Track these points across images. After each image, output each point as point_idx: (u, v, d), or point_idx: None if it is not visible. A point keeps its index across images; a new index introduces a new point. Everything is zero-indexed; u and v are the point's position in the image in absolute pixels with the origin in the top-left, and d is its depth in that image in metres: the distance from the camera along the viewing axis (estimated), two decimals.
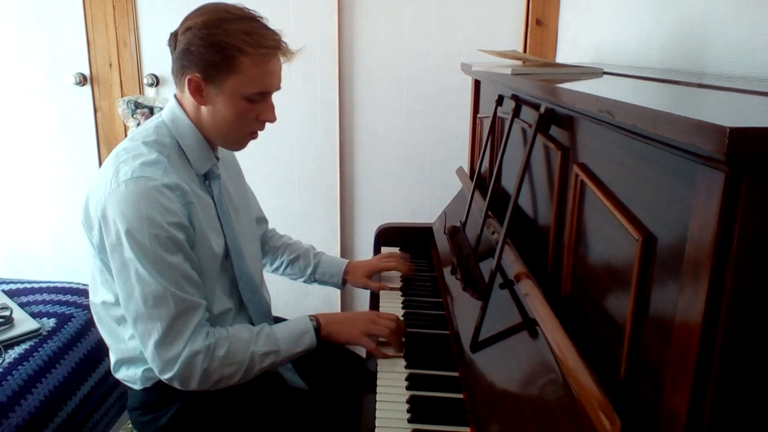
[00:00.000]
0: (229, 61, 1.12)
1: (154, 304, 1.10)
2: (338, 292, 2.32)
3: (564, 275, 0.91)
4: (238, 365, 1.16)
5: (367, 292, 1.59)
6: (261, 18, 1.17)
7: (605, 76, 1.13)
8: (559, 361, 0.80)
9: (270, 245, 1.59)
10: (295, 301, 2.40)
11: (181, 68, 1.16)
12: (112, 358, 1.28)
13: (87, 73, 2.32)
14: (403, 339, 1.28)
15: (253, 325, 1.32)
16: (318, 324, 1.25)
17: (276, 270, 1.61)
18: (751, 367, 0.53)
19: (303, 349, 1.23)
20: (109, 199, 1.10)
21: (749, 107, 0.67)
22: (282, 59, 1.18)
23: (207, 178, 1.24)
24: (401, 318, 1.37)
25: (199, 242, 1.18)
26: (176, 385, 1.14)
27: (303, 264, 1.58)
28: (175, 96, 1.23)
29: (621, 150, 0.72)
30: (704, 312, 0.52)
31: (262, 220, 1.56)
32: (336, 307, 2.42)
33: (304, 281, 1.61)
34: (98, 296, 1.24)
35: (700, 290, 0.53)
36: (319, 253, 1.61)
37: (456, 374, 1.16)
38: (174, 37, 1.17)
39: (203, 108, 1.18)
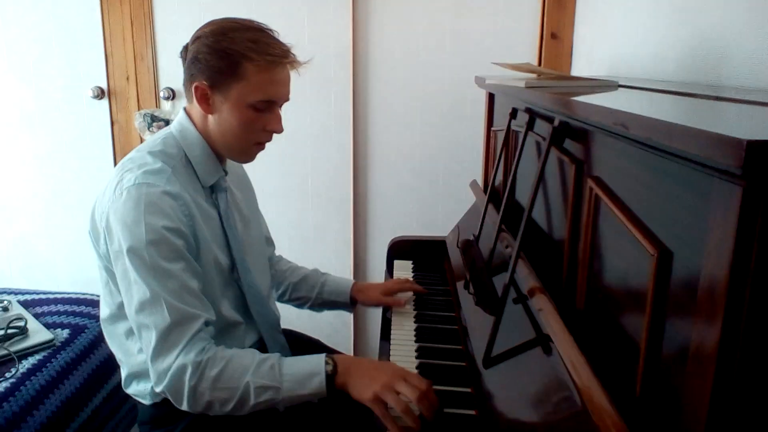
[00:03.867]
0: (234, 67, 1.12)
1: (150, 312, 1.07)
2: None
3: (578, 290, 0.90)
4: (230, 392, 1.06)
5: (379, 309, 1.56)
6: (270, 30, 1.19)
7: (620, 89, 1.12)
8: (572, 377, 0.78)
9: (276, 269, 1.55)
10: (308, 315, 2.38)
11: (189, 77, 1.18)
12: (123, 372, 1.28)
13: (105, 86, 2.35)
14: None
15: (263, 339, 1.31)
16: (334, 368, 1.09)
17: (282, 296, 1.57)
18: None
19: (309, 392, 1.08)
20: (111, 207, 1.10)
21: (767, 120, 0.65)
22: (290, 70, 1.18)
23: (214, 191, 1.24)
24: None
25: (203, 254, 1.17)
26: (170, 399, 1.09)
27: (309, 285, 1.54)
28: (185, 108, 1.24)
29: (636, 163, 0.71)
30: (722, 330, 0.51)
31: (268, 241, 1.54)
32: (349, 318, 2.42)
33: (311, 305, 1.55)
34: (105, 310, 1.24)
35: (717, 308, 0.51)
36: (324, 274, 1.57)
37: (468, 390, 1.14)
38: (185, 48, 1.19)
39: (210, 117, 1.19)
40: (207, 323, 1.12)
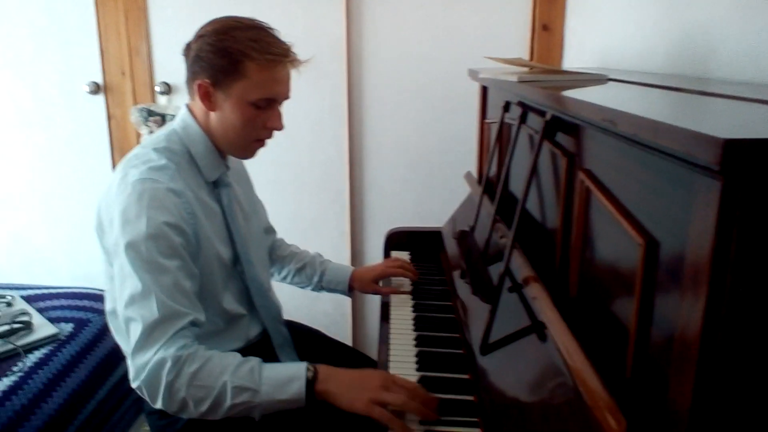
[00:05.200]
0: (236, 65, 1.14)
1: (139, 305, 1.07)
2: None
3: (571, 278, 0.94)
4: (207, 391, 1.05)
5: (377, 297, 1.61)
6: (272, 29, 1.21)
7: (610, 82, 1.15)
8: (566, 363, 0.82)
9: (277, 254, 1.60)
10: (307, 305, 2.43)
11: (192, 75, 1.20)
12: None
13: (100, 81, 2.36)
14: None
15: (266, 331, 1.34)
16: (315, 375, 1.08)
17: (284, 279, 1.62)
18: (751, 368, 0.55)
19: (287, 398, 1.06)
20: (115, 201, 1.12)
21: (749, 116, 0.69)
22: (290, 69, 1.21)
23: (216, 186, 1.27)
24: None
25: (204, 251, 1.19)
26: (145, 396, 1.08)
27: (310, 272, 1.58)
28: (187, 105, 1.26)
29: (625, 157, 0.74)
30: (705, 314, 0.54)
31: (270, 230, 1.58)
32: (347, 309, 2.45)
33: (312, 289, 1.61)
34: (110, 304, 1.25)
35: (700, 293, 0.55)
36: (325, 261, 1.61)
37: (467, 377, 1.18)
38: (188, 47, 1.21)
39: (212, 114, 1.21)
40: (194, 323, 1.11)
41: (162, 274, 1.08)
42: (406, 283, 1.59)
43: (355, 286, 1.58)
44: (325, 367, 1.11)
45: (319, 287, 1.60)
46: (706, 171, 0.52)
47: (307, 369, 1.09)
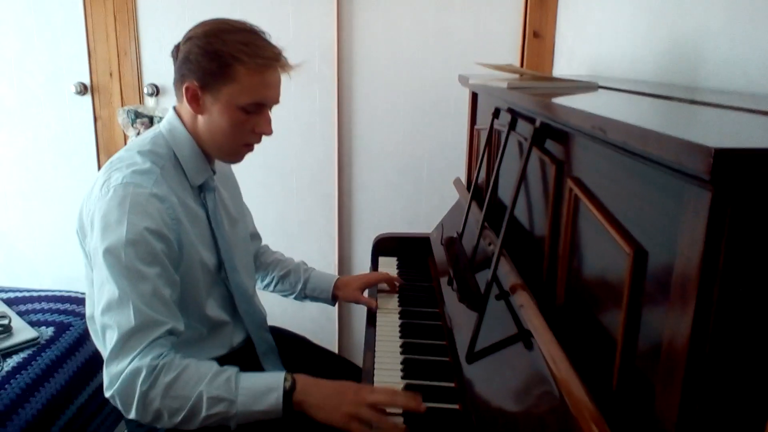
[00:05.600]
0: (225, 69, 1.13)
1: (116, 312, 1.04)
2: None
3: (558, 286, 0.93)
4: (181, 401, 1.02)
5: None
6: (263, 33, 1.19)
7: (600, 90, 1.15)
8: (552, 372, 0.81)
9: (261, 261, 1.57)
10: (293, 311, 2.41)
11: (180, 77, 1.18)
12: None
13: (87, 82, 2.33)
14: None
15: (250, 338, 1.32)
16: (293, 385, 1.06)
17: (267, 287, 1.59)
18: (737, 378, 0.54)
19: (263, 409, 1.04)
20: (97, 205, 1.10)
21: (738, 126, 0.68)
22: (281, 73, 1.19)
23: (202, 191, 1.25)
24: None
25: (187, 257, 1.17)
26: (118, 406, 1.05)
27: (293, 280, 1.56)
28: (174, 107, 1.24)
29: (614, 165, 0.74)
30: (693, 324, 0.53)
31: (255, 236, 1.55)
32: (333, 315, 2.43)
33: (295, 298, 1.58)
34: (90, 308, 1.22)
35: (689, 303, 0.54)
36: (309, 269, 1.59)
37: (452, 385, 1.16)
38: (177, 48, 1.19)
39: (200, 117, 1.19)
40: (171, 332, 1.09)
41: (141, 281, 1.06)
42: (385, 287, 1.59)
43: (339, 295, 1.56)
44: (304, 378, 1.09)
45: (303, 295, 1.57)
46: (696, 180, 0.51)
47: (285, 379, 1.07)
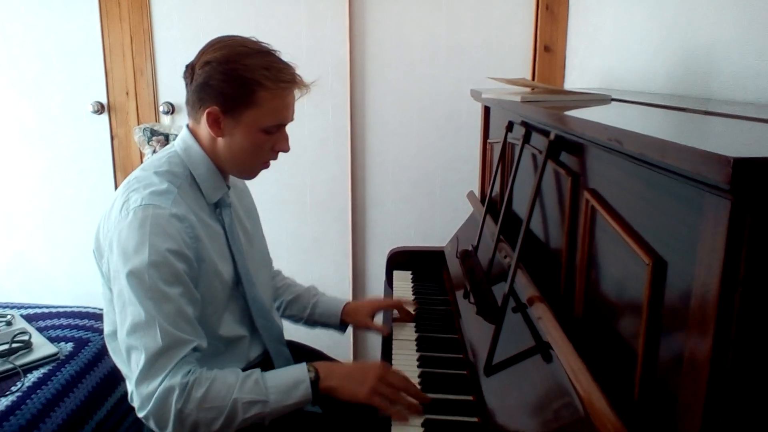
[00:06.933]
0: (249, 95, 1.14)
1: (142, 334, 1.07)
2: None
3: (576, 298, 0.93)
4: (218, 411, 1.08)
5: (380, 315, 1.58)
6: (277, 52, 1.20)
7: (613, 102, 1.16)
8: (573, 384, 0.81)
9: (271, 285, 1.55)
10: None
11: (198, 101, 1.18)
12: (129, 386, 1.29)
13: (104, 101, 2.37)
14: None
15: (267, 352, 1.32)
16: (316, 375, 1.14)
17: (276, 311, 1.56)
18: (761, 388, 0.54)
19: (296, 401, 1.12)
20: (116, 227, 1.11)
21: (753, 135, 0.69)
22: (296, 92, 1.21)
23: (218, 207, 1.26)
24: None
25: (206, 273, 1.17)
26: (152, 426, 1.08)
27: (302, 305, 1.54)
28: (188, 126, 1.25)
29: (630, 176, 0.74)
30: (714, 335, 0.53)
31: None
32: (349, 330, 2.43)
33: (304, 323, 1.56)
34: (109, 326, 1.23)
35: (709, 313, 0.54)
36: (318, 294, 1.57)
37: (470, 398, 1.16)
38: (191, 69, 1.18)
39: (220, 139, 1.20)
40: (196, 349, 1.12)
41: (165, 301, 1.08)
42: (403, 309, 1.54)
43: (349, 321, 1.54)
44: (323, 364, 1.17)
45: (312, 321, 1.55)
46: (715, 190, 0.51)
47: (309, 370, 1.15)
